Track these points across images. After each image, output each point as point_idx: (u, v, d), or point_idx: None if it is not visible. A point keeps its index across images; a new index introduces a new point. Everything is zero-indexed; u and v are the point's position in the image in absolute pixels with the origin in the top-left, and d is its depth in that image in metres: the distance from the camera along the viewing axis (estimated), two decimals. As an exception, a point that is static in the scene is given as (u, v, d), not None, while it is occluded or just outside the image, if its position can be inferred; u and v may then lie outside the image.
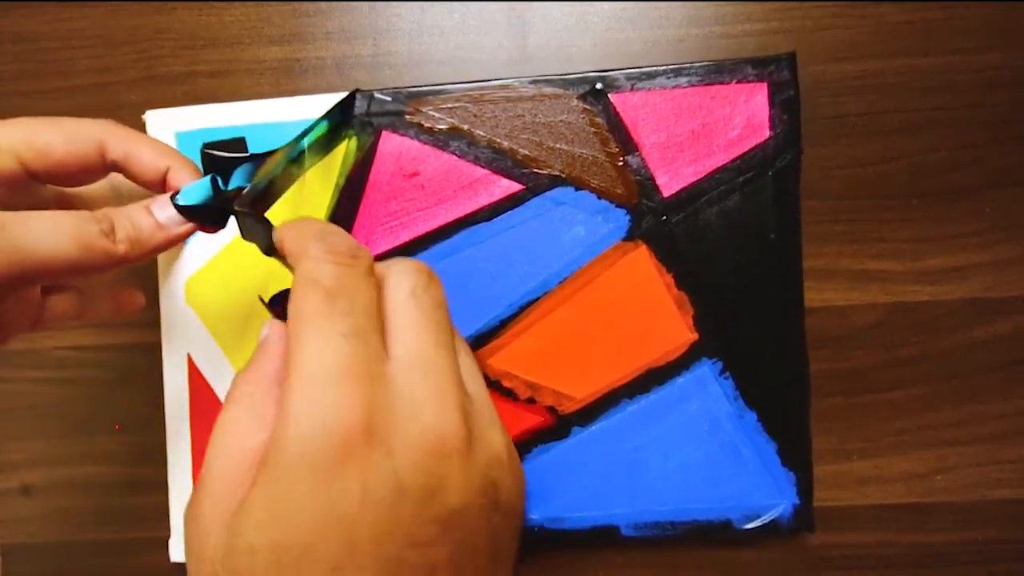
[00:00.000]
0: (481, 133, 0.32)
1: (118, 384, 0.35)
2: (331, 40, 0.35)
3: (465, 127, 0.32)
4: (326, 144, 0.32)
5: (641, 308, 0.32)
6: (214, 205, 0.26)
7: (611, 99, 0.32)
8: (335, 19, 0.35)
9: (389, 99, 0.32)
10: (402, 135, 0.32)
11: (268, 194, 0.27)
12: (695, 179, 0.32)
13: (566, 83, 0.32)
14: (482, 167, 0.32)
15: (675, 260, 0.32)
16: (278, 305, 0.26)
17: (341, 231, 0.22)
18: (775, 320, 0.32)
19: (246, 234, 0.25)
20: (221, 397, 0.33)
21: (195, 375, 0.34)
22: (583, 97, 0.32)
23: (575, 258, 0.32)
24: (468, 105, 0.32)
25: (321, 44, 0.35)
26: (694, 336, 0.32)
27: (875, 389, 0.33)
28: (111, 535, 0.36)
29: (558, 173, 0.32)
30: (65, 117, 0.26)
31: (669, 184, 0.32)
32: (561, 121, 0.32)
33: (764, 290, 0.32)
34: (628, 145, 0.32)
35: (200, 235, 0.27)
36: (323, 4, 0.35)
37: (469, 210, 0.32)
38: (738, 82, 0.31)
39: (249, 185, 0.27)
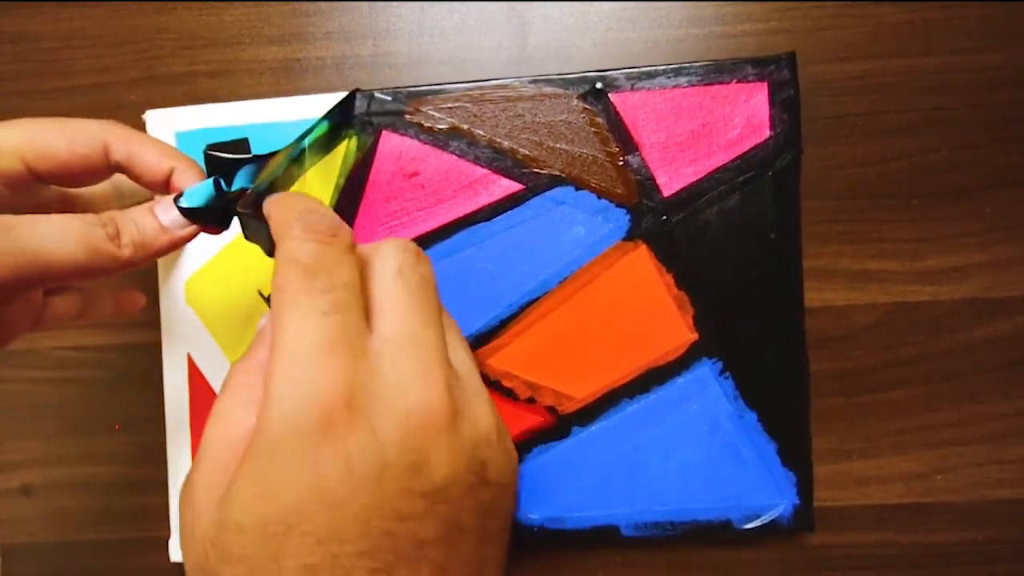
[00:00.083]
0: (481, 133, 0.32)
1: (118, 384, 0.35)
2: (331, 40, 0.35)
3: (465, 127, 0.32)
4: (326, 144, 0.32)
5: (641, 308, 0.32)
6: (217, 207, 0.26)
7: (611, 99, 0.32)
8: (335, 19, 0.35)
9: (389, 99, 0.32)
10: (402, 135, 0.32)
11: (270, 195, 0.27)
12: (695, 179, 0.32)
13: (566, 83, 0.32)
14: (482, 167, 0.32)
15: (675, 260, 0.32)
16: None
17: (323, 209, 0.22)
18: (775, 320, 0.32)
19: (249, 235, 0.25)
20: (221, 397, 0.33)
21: (195, 375, 0.34)
22: (583, 97, 0.32)
23: (575, 258, 0.32)
24: (468, 105, 0.32)
25: (321, 44, 0.35)
26: (694, 336, 0.32)
27: (875, 389, 0.33)
28: (111, 535, 0.35)
29: (558, 173, 0.32)
30: (69, 118, 0.26)
31: (669, 184, 0.32)
32: (561, 121, 0.32)
33: (764, 290, 0.32)
34: (628, 145, 0.32)
35: (200, 235, 0.27)
36: (323, 4, 0.35)
37: (469, 210, 0.32)
38: (738, 82, 0.31)
39: (252, 186, 0.27)
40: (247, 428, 0.20)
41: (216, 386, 0.34)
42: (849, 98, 0.33)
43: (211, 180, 0.26)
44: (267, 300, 0.27)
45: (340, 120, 0.32)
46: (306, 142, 0.30)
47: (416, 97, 0.32)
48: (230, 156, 0.27)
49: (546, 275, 0.32)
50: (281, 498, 0.19)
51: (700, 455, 0.32)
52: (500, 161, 0.32)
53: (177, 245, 0.25)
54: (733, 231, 0.32)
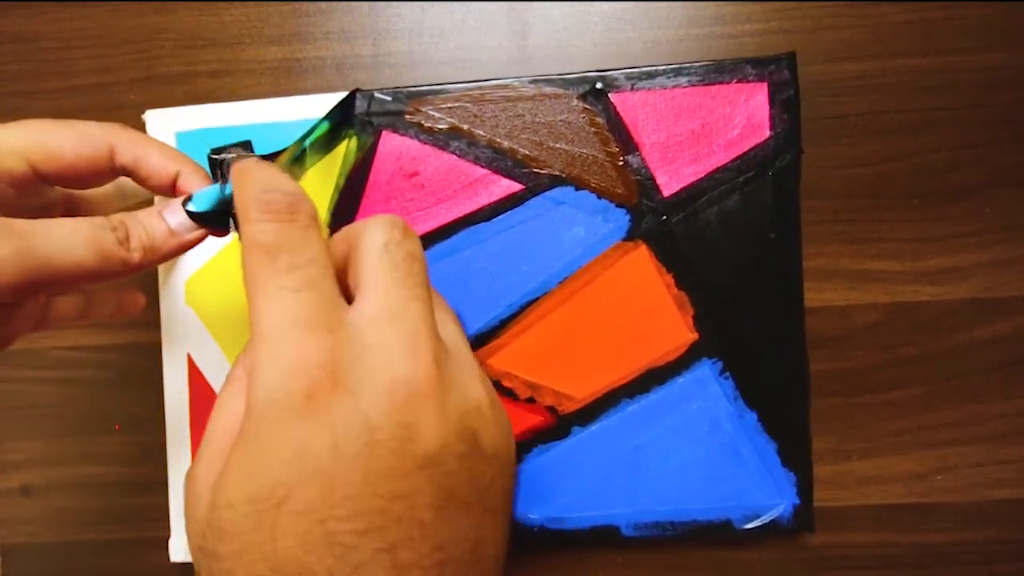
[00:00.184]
0: (481, 133, 0.32)
1: (118, 384, 0.35)
2: (331, 40, 0.35)
3: (465, 127, 0.32)
4: (326, 143, 0.32)
5: (641, 308, 0.32)
6: (223, 210, 0.26)
7: (611, 99, 0.32)
8: (335, 19, 0.35)
9: (389, 99, 0.32)
10: (402, 135, 0.32)
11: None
12: (695, 179, 0.32)
13: (566, 83, 0.32)
14: (482, 167, 0.32)
15: (675, 260, 0.32)
16: None
17: (281, 184, 0.22)
18: (775, 320, 0.32)
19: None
20: (221, 397, 0.33)
21: (195, 375, 0.34)
22: (583, 97, 0.32)
23: (575, 258, 0.32)
24: (468, 105, 0.32)
25: (321, 44, 0.35)
26: (694, 336, 0.32)
27: (875, 389, 0.33)
28: (111, 535, 0.35)
29: (558, 173, 0.32)
30: (76, 120, 0.26)
31: (669, 184, 0.32)
32: (561, 121, 0.32)
33: (764, 290, 0.32)
34: (628, 145, 0.32)
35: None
36: (323, 4, 0.35)
37: (469, 210, 0.32)
38: (738, 82, 0.31)
39: None
40: (243, 416, 0.21)
41: (216, 386, 0.34)
42: (849, 98, 0.33)
43: (218, 184, 0.27)
44: None
45: (340, 120, 0.32)
46: (307, 143, 0.30)
47: (416, 97, 0.32)
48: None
49: (546, 275, 0.32)
50: (269, 473, 0.19)
51: (700, 455, 0.32)
52: (500, 161, 0.32)
53: (184, 249, 0.25)
54: (733, 231, 0.32)
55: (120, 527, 0.35)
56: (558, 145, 0.32)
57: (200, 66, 0.35)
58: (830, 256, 0.33)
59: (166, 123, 0.33)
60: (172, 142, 0.33)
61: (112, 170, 0.26)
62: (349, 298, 0.22)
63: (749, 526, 0.32)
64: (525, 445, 0.33)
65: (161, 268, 0.34)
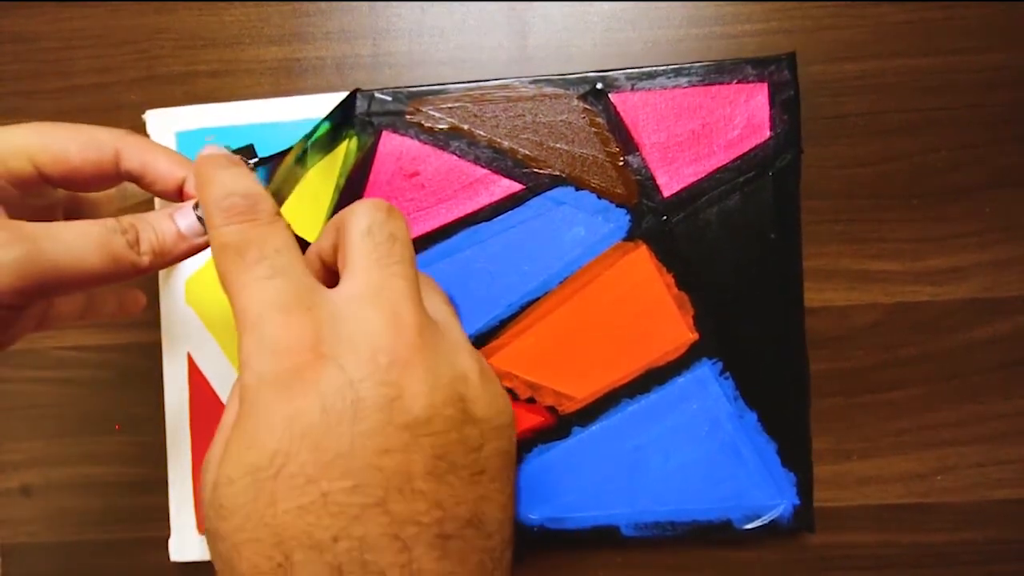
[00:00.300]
0: (481, 133, 0.32)
1: (118, 384, 0.35)
2: (331, 40, 0.35)
3: (465, 127, 0.32)
4: (327, 143, 0.32)
5: (641, 308, 0.32)
6: None
7: (611, 99, 0.32)
8: (335, 19, 0.35)
9: (389, 99, 0.32)
10: (402, 135, 0.32)
11: (276, 199, 0.27)
12: (695, 179, 0.32)
13: (567, 83, 0.32)
14: (482, 167, 0.32)
15: (675, 260, 0.32)
16: None
17: (240, 186, 0.22)
18: (775, 320, 0.32)
19: None
20: (221, 396, 0.33)
21: (195, 374, 0.34)
22: (583, 97, 0.32)
23: (575, 258, 0.32)
24: (468, 105, 0.32)
25: (321, 44, 0.35)
26: (694, 336, 0.32)
27: (875, 389, 0.33)
28: (111, 535, 0.35)
29: (558, 173, 0.32)
30: (84, 125, 0.26)
31: (669, 184, 0.32)
32: (561, 121, 0.32)
33: (764, 290, 0.32)
34: (628, 145, 0.32)
35: None
36: (323, 4, 0.35)
37: (469, 210, 0.32)
38: (738, 82, 0.31)
39: None
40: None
41: (216, 385, 0.34)
42: (849, 98, 0.33)
43: None
44: None
45: (341, 120, 0.32)
46: (309, 143, 0.30)
47: (416, 97, 0.32)
48: None
49: (546, 275, 0.32)
50: (264, 445, 0.19)
51: (700, 455, 0.32)
52: (500, 161, 0.32)
53: (193, 252, 0.25)
54: (733, 231, 0.32)
55: (120, 527, 0.35)
56: (558, 145, 0.32)
57: (200, 66, 0.35)
58: (830, 256, 0.33)
59: (166, 123, 0.33)
60: (172, 142, 0.33)
61: (116, 175, 0.27)
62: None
63: (749, 526, 0.32)
64: (525, 445, 0.33)
65: (161, 268, 0.34)
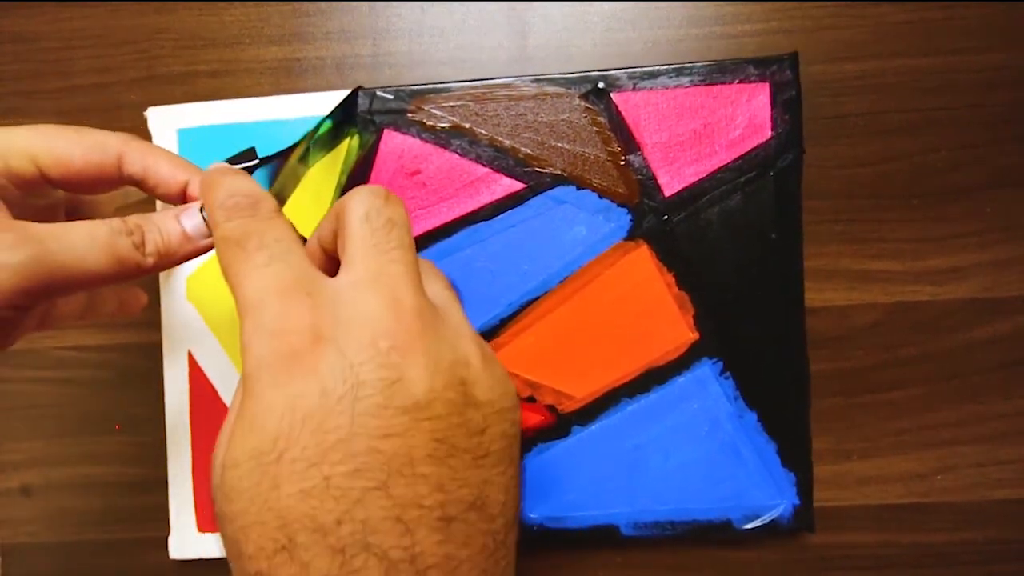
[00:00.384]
0: (483, 132, 0.32)
1: (118, 384, 0.35)
2: (331, 40, 0.35)
3: (467, 125, 0.32)
4: (329, 141, 0.32)
5: (642, 307, 0.32)
6: None
7: (613, 98, 0.32)
8: (335, 19, 0.35)
9: (391, 97, 0.32)
10: (404, 133, 0.32)
11: (279, 199, 0.28)
12: (696, 179, 0.32)
13: (568, 82, 0.32)
14: (484, 166, 0.32)
15: (676, 260, 0.32)
16: None
17: (242, 187, 0.23)
18: (776, 320, 0.32)
19: None
20: (222, 393, 0.33)
21: (196, 372, 0.34)
22: (585, 96, 0.32)
23: (576, 257, 0.32)
24: (470, 103, 0.32)
25: (321, 44, 0.35)
26: (695, 336, 0.32)
27: (875, 389, 0.33)
28: (111, 535, 0.35)
29: (560, 172, 0.32)
30: (88, 128, 0.26)
31: (670, 184, 0.32)
32: (563, 120, 0.32)
33: (765, 290, 0.32)
34: (630, 144, 0.32)
35: None
36: (323, 4, 0.35)
37: (470, 208, 0.32)
38: (740, 82, 0.31)
39: None
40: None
41: (217, 383, 0.34)
42: (849, 98, 0.33)
43: None
44: None
45: (342, 118, 0.32)
46: (312, 141, 0.30)
47: (418, 95, 0.32)
48: (240, 166, 0.28)
49: (547, 274, 0.32)
50: (266, 429, 0.19)
51: (700, 455, 0.32)
52: (502, 160, 0.32)
53: (197, 254, 0.25)
54: (734, 231, 0.32)
55: (120, 527, 0.35)
56: (560, 144, 0.32)
57: (200, 66, 0.35)
58: (830, 256, 0.33)
59: (168, 121, 0.33)
60: (174, 139, 0.33)
61: (119, 179, 0.27)
62: None
63: (749, 526, 0.32)
64: (525, 444, 0.33)
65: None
